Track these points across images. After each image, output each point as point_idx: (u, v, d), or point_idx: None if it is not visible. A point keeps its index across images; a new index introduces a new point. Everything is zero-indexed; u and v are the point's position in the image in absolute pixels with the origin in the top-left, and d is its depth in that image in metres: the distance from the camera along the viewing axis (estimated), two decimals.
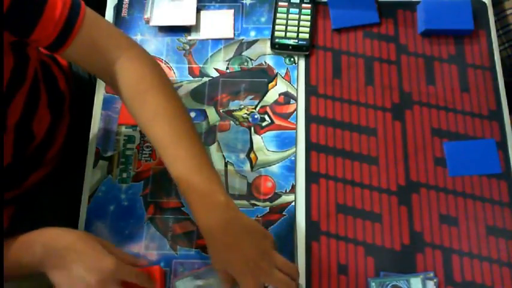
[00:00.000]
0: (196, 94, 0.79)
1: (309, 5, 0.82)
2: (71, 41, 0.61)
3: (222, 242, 0.58)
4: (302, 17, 0.81)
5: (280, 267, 0.60)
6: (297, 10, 0.82)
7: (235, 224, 0.59)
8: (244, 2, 0.84)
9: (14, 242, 0.60)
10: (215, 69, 0.81)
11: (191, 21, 0.82)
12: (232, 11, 0.83)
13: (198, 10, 0.83)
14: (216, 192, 0.59)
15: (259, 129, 0.77)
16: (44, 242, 0.59)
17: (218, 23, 0.83)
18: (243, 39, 0.82)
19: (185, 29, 0.83)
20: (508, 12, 0.95)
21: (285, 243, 0.70)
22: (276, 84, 0.79)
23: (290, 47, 0.80)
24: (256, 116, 0.77)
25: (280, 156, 0.75)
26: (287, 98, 0.78)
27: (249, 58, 0.81)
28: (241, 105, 0.78)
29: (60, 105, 0.81)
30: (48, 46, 0.61)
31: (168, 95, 0.64)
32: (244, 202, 0.73)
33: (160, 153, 0.62)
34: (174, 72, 0.81)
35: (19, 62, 0.63)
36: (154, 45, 0.82)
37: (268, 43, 0.81)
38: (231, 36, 0.82)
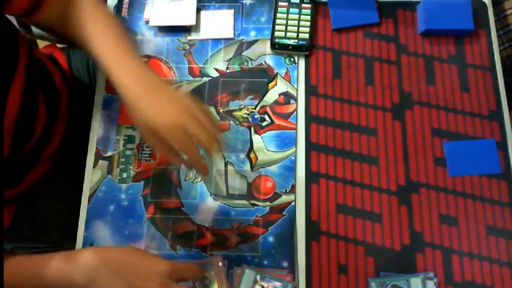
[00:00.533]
0: (196, 94, 0.79)
1: (309, 5, 0.82)
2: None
3: (145, 100, 0.60)
4: (302, 17, 0.81)
5: (204, 123, 0.60)
6: (297, 10, 0.82)
7: (153, 81, 0.62)
8: (244, 2, 0.84)
9: (49, 264, 0.60)
10: (215, 69, 0.81)
11: (191, 21, 0.82)
12: (232, 11, 0.83)
13: (198, 10, 0.83)
14: (137, 60, 0.64)
15: (259, 129, 0.77)
16: (91, 259, 0.59)
17: (218, 23, 0.83)
18: (243, 39, 0.82)
19: (185, 29, 0.83)
20: (508, 12, 0.95)
21: (285, 243, 0.70)
22: (276, 84, 0.79)
23: (290, 47, 0.80)
24: (256, 116, 0.77)
25: (280, 156, 0.75)
26: (287, 98, 0.78)
27: (249, 58, 0.81)
28: (241, 105, 0.78)
29: (57, 103, 0.81)
30: (26, 10, 0.64)
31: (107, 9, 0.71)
32: (244, 202, 0.73)
33: (87, 37, 0.65)
34: (174, 72, 0.81)
35: (8, 51, 0.65)
36: (154, 45, 0.83)
37: (268, 43, 0.81)
38: (231, 36, 0.82)
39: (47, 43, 0.98)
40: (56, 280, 0.59)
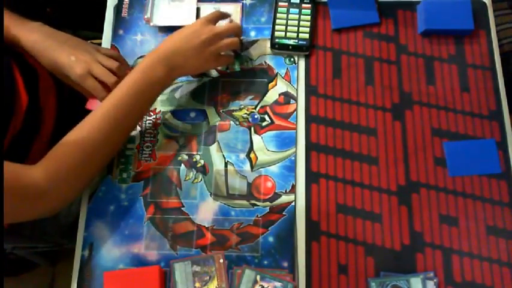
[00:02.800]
0: (196, 94, 0.79)
1: (309, 5, 0.82)
2: None
3: (59, 53, 0.72)
4: (302, 17, 0.81)
5: (107, 64, 0.74)
6: (297, 10, 0.82)
7: (54, 33, 0.75)
8: (244, 2, 0.84)
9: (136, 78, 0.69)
10: (215, 69, 0.80)
11: (191, 21, 0.82)
12: (240, 4, 0.83)
13: (198, 10, 0.83)
14: (40, 24, 0.76)
15: (259, 129, 0.77)
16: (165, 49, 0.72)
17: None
18: (243, 39, 0.82)
19: None
20: (502, 12, 0.95)
21: (285, 243, 0.70)
22: (276, 84, 0.79)
23: (290, 47, 0.80)
24: (256, 116, 0.77)
25: (280, 156, 0.75)
26: (287, 98, 0.78)
27: (249, 58, 0.81)
28: (241, 105, 0.78)
29: (40, 96, 0.80)
30: None
31: None
32: (244, 202, 0.73)
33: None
34: None
35: None
36: (154, 45, 0.82)
37: (268, 43, 0.81)
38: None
39: None
40: (139, 87, 0.69)
